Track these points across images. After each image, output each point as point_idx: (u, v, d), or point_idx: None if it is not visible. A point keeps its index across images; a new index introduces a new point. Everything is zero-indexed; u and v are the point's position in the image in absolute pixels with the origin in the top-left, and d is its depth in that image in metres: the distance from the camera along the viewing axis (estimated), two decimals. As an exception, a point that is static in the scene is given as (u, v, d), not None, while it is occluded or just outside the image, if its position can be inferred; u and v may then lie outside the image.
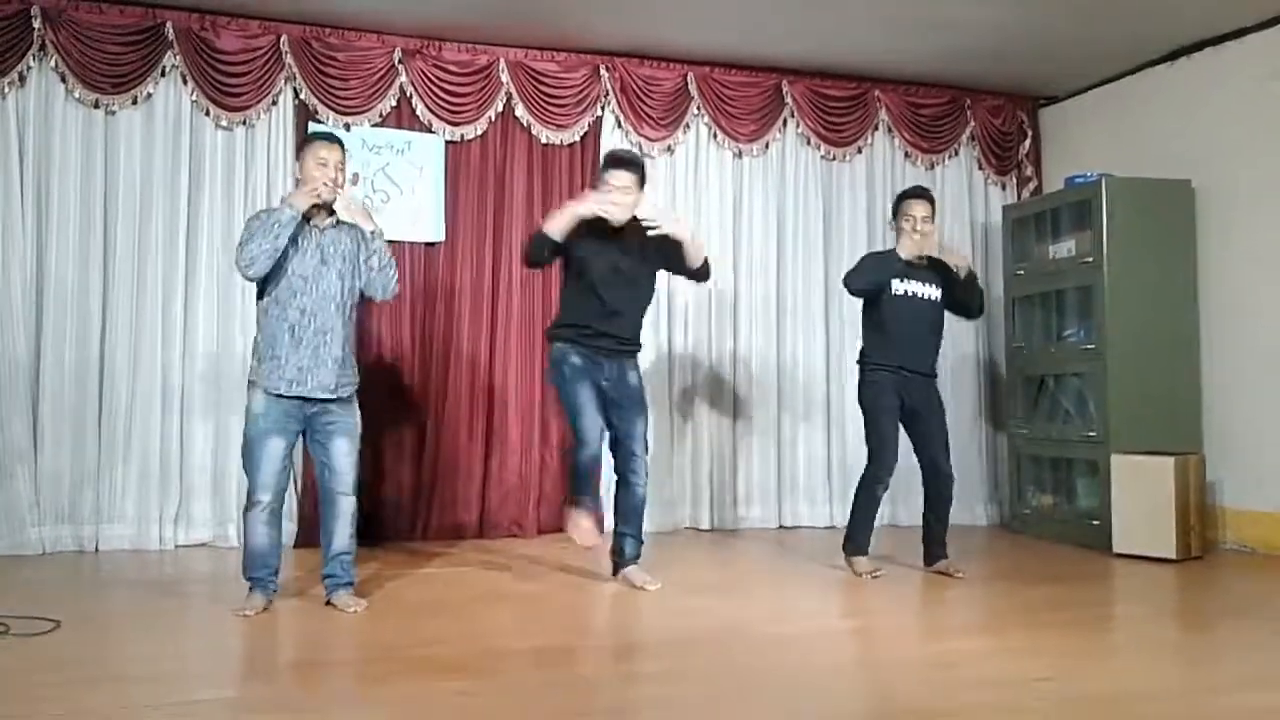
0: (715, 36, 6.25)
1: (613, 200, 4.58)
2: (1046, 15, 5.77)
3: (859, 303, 5.14)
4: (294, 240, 4.12)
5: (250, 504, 4.13)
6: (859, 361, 5.22)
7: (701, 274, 4.86)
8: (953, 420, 6.89)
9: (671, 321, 6.59)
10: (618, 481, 4.84)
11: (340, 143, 4.32)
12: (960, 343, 7.03)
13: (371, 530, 5.88)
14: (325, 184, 4.15)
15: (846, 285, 5.18)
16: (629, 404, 4.69)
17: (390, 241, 5.98)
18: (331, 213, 4.23)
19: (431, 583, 4.88)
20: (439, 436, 6.16)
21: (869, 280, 5.07)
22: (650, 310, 6.35)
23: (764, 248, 6.80)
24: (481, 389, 6.25)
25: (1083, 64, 6.64)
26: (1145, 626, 4.29)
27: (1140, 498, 5.55)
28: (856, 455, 6.79)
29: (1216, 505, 5.94)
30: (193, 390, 5.82)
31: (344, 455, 4.23)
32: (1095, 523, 5.96)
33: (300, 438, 4.27)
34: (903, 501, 6.87)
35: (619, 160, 4.76)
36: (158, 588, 4.77)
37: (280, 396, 4.10)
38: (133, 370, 5.70)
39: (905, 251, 5.02)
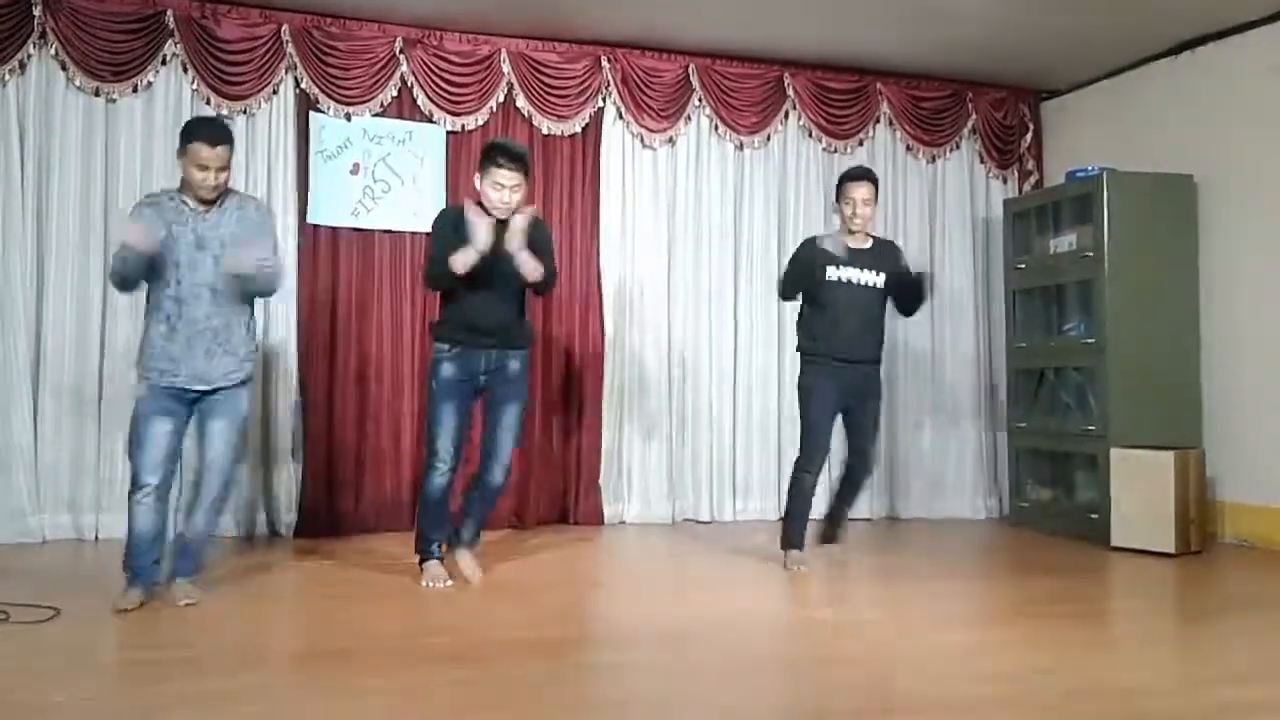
0: (717, 28, 6.23)
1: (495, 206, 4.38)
2: (1049, 8, 5.75)
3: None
4: (169, 226, 3.94)
5: (135, 487, 3.97)
6: (798, 349, 5.13)
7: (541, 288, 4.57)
8: (953, 412, 7.00)
9: (670, 313, 6.59)
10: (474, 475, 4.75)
11: (229, 139, 4.03)
12: (960, 336, 7.04)
13: (367, 522, 5.91)
14: (207, 183, 3.94)
15: (780, 294, 5.13)
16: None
17: (390, 232, 6.05)
18: (210, 203, 4.02)
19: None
20: (439, 427, 6.15)
21: (791, 288, 5.02)
22: (650, 302, 6.36)
23: (765, 240, 6.80)
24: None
25: (1085, 58, 6.63)
26: (1143, 620, 4.30)
27: (1139, 492, 5.55)
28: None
29: (1216, 500, 5.94)
30: (192, 379, 5.80)
31: (218, 434, 4.07)
32: (1094, 517, 5.96)
33: (188, 421, 4.09)
34: (902, 495, 6.91)
35: (508, 155, 4.43)
36: (157, 576, 4.76)
37: (158, 386, 3.98)
38: (132, 359, 5.67)
39: (834, 244, 4.93)
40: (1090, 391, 6.18)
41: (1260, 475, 5.78)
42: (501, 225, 4.33)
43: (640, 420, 6.51)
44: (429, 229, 4.68)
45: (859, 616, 4.26)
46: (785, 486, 6.67)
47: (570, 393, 6.45)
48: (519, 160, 4.42)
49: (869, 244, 5.05)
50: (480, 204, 4.39)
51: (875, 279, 4.98)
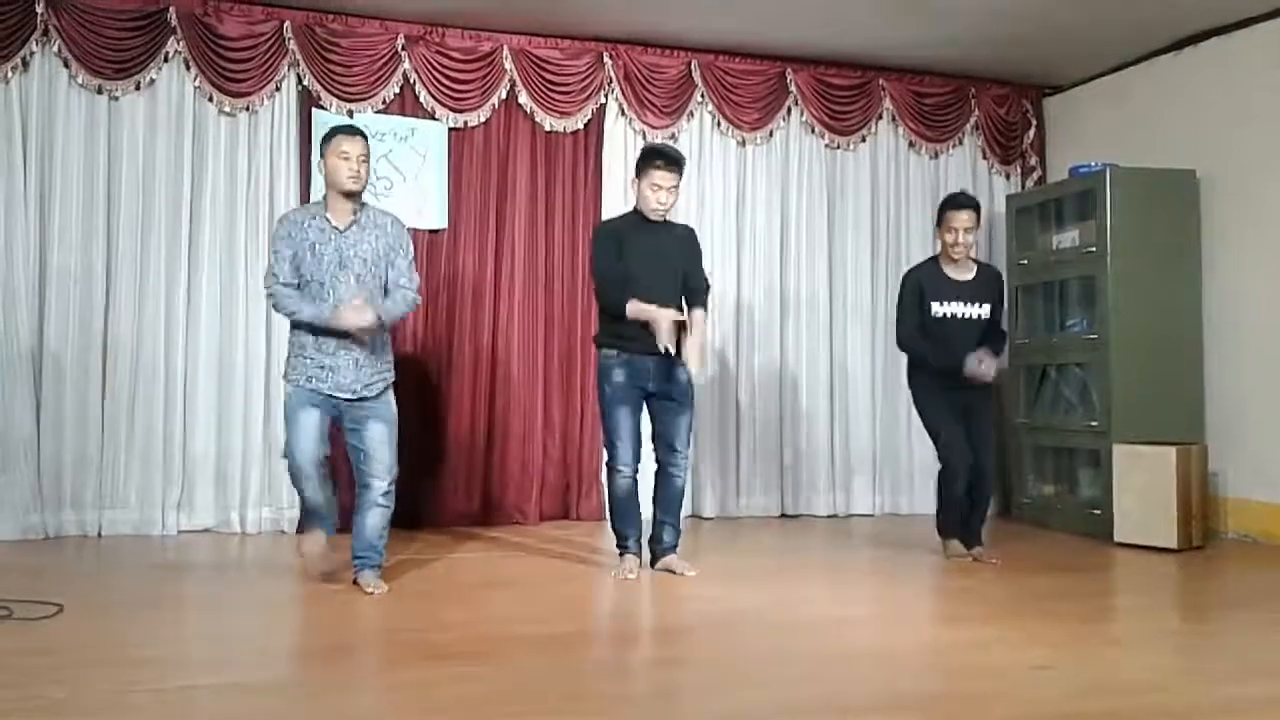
0: (719, 24, 6.23)
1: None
2: (1051, 3, 5.74)
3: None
4: (311, 246, 4.14)
5: (294, 475, 4.26)
6: (909, 365, 5.19)
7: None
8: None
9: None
10: (657, 473, 4.80)
11: (363, 133, 4.28)
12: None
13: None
14: (350, 176, 4.16)
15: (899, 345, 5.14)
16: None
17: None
18: (356, 208, 4.24)
19: (435, 569, 4.89)
20: (442, 423, 6.17)
21: (922, 359, 5.02)
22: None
23: (767, 236, 6.80)
24: (484, 376, 6.26)
25: (1088, 53, 6.62)
26: (1146, 616, 4.30)
27: (1142, 488, 5.55)
28: (859, 444, 6.84)
29: (1218, 495, 5.94)
30: (196, 376, 5.82)
31: (380, 443, 4.25)
32: (1097, 512, 5.96)
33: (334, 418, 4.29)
34: (905, 492, 6.91)
35: (665, 157, 4.64)
36: (160, 573, 4.78)
37: (309, 390, 4.18)
38: (136, 356, 5.70)
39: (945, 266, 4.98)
40: (1093, 387, 6.18)
41: (1263, 470, 5.77)
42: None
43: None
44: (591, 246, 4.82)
45: (862, 613, 4.26)
46: (787, 484, 6.76)
47: (573, 387, 6.45)
48: (676, 163, 4.62)
49: (972, 273, 5.07)
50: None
51: (980, 311, 5.02)
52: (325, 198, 4.26)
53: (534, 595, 4.37)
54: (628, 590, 4.52)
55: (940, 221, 5.07)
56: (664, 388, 4.59)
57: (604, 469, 4.71)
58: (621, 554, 4.68)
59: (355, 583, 4.30)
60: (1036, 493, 6.63)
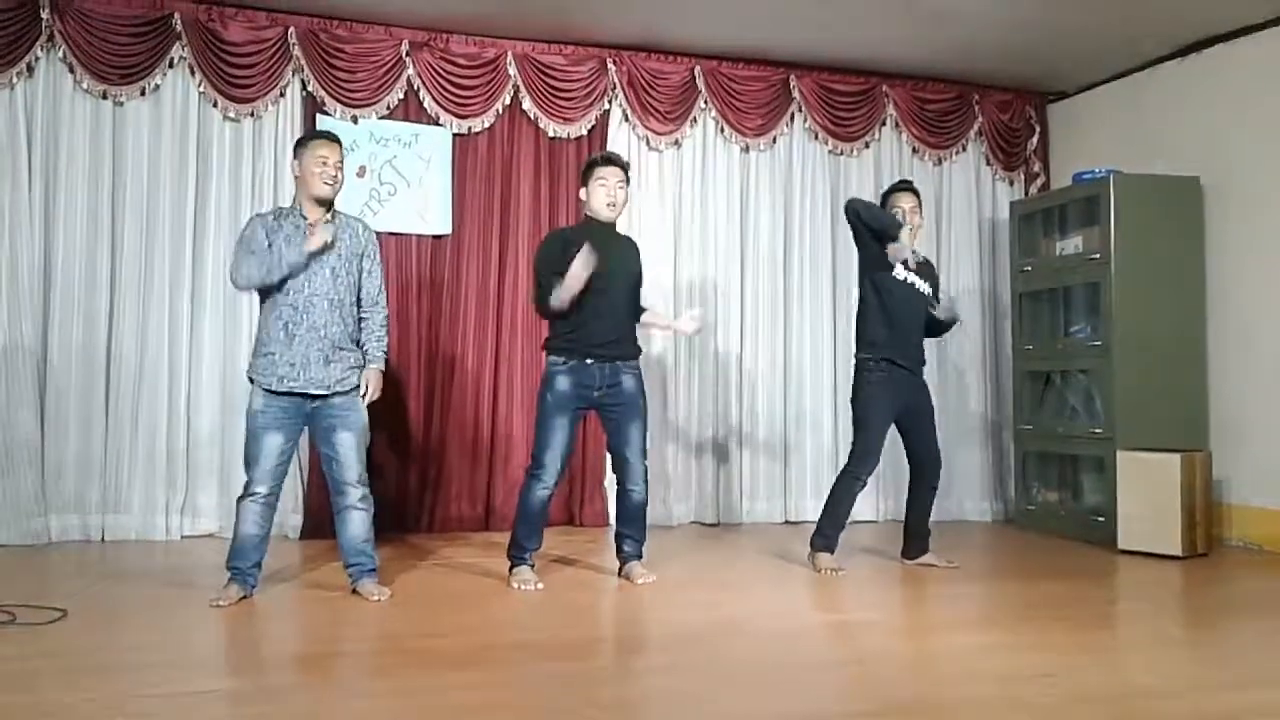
0: (722, 30, 6.23)
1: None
2: (1056, 10, 5.75)
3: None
4: (287, 239, 4.15)
5: (246, 494, 4.16)
6: (856, 355, 5.12)
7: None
8: (959, 415, 7.00)
9: (677, 315, 6.57)
10: (617, 488, 4.81)
11: (339, 140, 4.33)
12: (967, 338, 7.03)
13: (376, 522, 5.90)
14: (326, 182, 4.21)
15: (852, 208, 5.00)
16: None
17: (396, 234, 6.05)
18: (329, 212, 4.27)
19: (436, 575, 4.89)
20: (445, 429, 6.17)
21: (879, 222, 4.93)
22: (656, 304, 6.37)
23: (771, 242, 6.80)
24: (487, 381, 6.26)
25: (1092, 59, 6.62)
26: (1149, 623, 4.29)
27: (1146, 494, 5.54)
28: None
29: (1222, 502, 5.93)
30: (199, 381, 5.83)
31: (348, 448, 4.25)
32: (1100, 519, 5.95)
33: (304, 432, 4.31)
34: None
35: (606, 158, 4.76)
36: (164, 578, 4.78)
37: (277, 393, 4.14)
38: (139, 361, 5.71)
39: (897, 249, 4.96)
40: (1096, 394, 6.17)
41: (1267, 478, 5.77)
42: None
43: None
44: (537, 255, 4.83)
45: (863, 618, 4.26)
46: (791, 489, 6.76)
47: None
48: (618, 162, 4.71)
49: (920, 258, 5.18)
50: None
51: (926, 288, 5.10)
52: (297, 202, 4.30)
53: (534, 602, 4.37)
54: (627, 597, 4.51)
55: (884, 205, 5.15)
56: (611, 395, 4.58)
57: (524, 475, 4.65)
58: (515, 565, 4.61)
59: (355, 592, 4.30)
60: (1040, 499, 6.62)
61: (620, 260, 4.63)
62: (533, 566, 4.65)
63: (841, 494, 5.04)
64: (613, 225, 4.72)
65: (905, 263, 4.99)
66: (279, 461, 4.18)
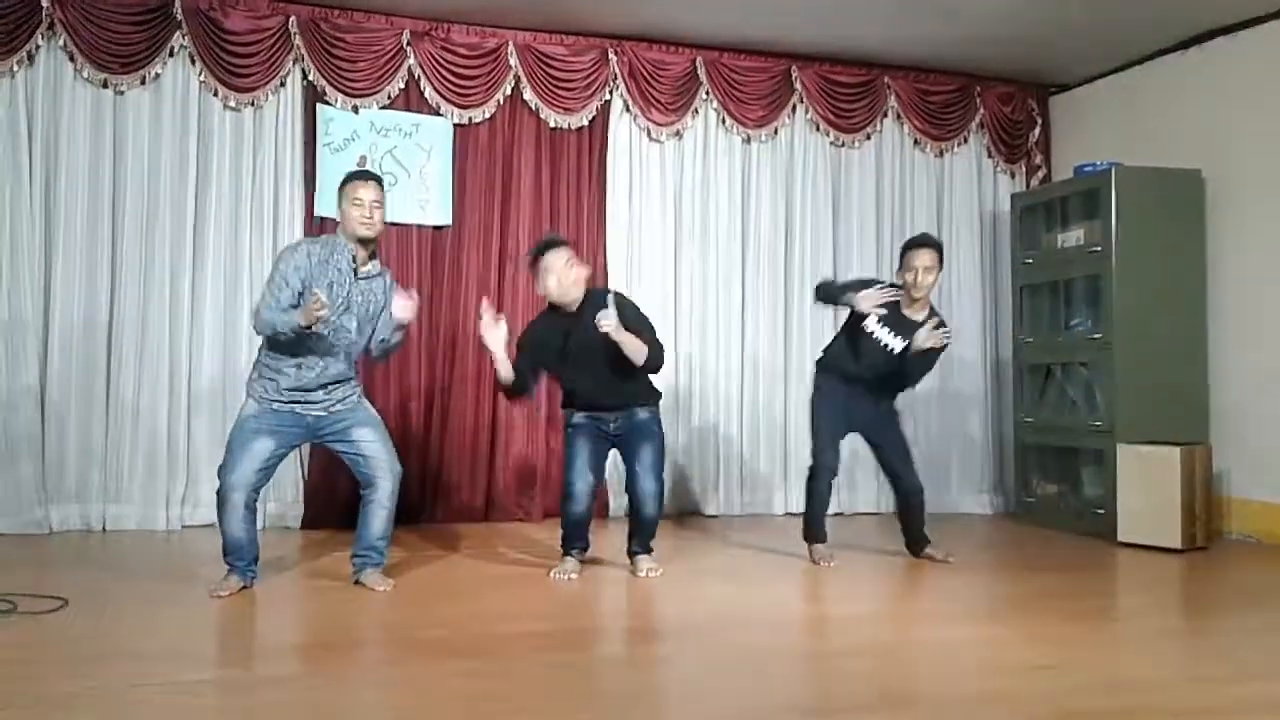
0: (724, 20, 6.22)
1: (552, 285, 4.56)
2: (1058, 3, 5.73)
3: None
4: (329, 285, 4.10)
5: (222, 499, 4.11)
6: (818, 361, 5.18)
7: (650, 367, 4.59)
8: (959, 407, 7.00)
9: (677, 307, 6.59)
10: (630, 505, 4.82)
11: (376, 179, 4.28)
12: (967, 332, 7.03)
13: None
14: (362, 222, 4.15)
15: (816, 297, 5.11)
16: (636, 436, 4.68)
17: (397, 225, 6.04)
18: (373, 255, 4.26)
19: (439, 566, 4.90)
20: (445, 421, 6.17)
21: (828, 296, 5.00)
22: (656, 296, 6.37)
23: (772, 233, 6.79)
24: (488, 373, 6.22)
25: (1094, 52, 6.60)
26: (1149, 616, 4.29)
27: (1146, 487, 5.54)
28: (863, 441, 6.82)
29: (1222, 495, 5.93)
30: (200, 371, 5.83)
31: (370, 440, 4.27)
32: (1100, 512, 5.96)
33: (303, 445, 4.35)
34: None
35: (551, 244, 4.63)
36: (164, 568, 4.79)
37: (277, 406, 4.15)
38: (140, 351, 5.71)
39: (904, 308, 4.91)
40: (1097, 387, 6.17)
41: (1267, 471, 5.77)
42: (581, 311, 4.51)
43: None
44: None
45: (864, 610, 4.26)
46: (791, 480, 6.76)
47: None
48: (561, 242, 4.64)
49: (922, 316, 4.92)
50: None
51: (900, 344, 4.89)
52: (340, 241, 4.23)
53: (534, 592, 4.38)
54: (627, 588, 4.52)
55: (901, 263, 4.94)
56: (622, 427, 4.64)
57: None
58: (565, 555, 4.70)
59: (357, 583, 4.30)
60: (1040, 492, 6.63)
61: (590, 342, 4.45)
62: (580, 554, 4.73)
63: (809, 492, 5.12)
64: (575, 304, 4.55)
65: (885, 318, 4.87)
66: (262, 467, 4.13)
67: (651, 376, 4.67)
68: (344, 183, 4.26)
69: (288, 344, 4.09)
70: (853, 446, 5.35)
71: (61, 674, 3.10)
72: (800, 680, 3.22)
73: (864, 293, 4.83)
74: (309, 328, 3.98)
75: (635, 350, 4.44)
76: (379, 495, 4.28)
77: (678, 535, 5.86)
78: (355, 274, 4.19)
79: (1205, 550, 5.50)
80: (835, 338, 5.18)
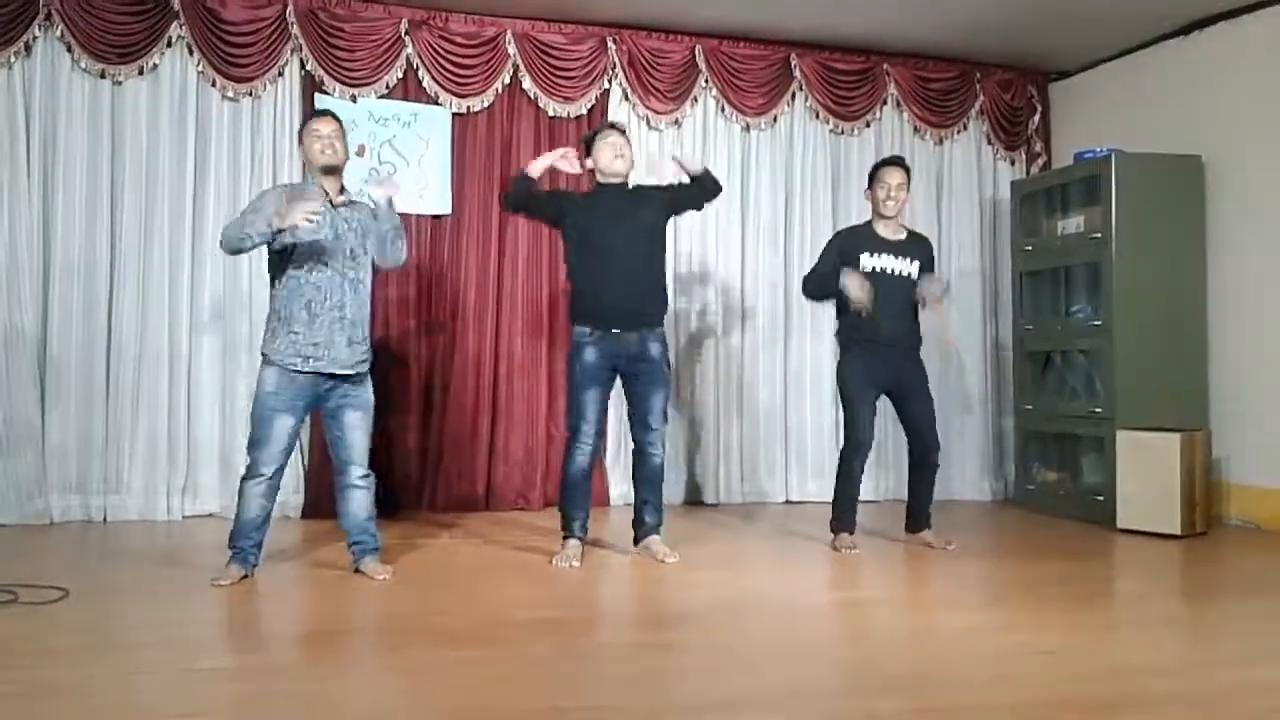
0: (723, 8, 6.20)
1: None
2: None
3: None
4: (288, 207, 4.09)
5: (250, 475, 4.17)
6: (836, 335, 5.18)
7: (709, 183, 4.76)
8: (959, 394, 7.00)
9: (676, 295, 6.58)
10: (635, 452, 4.82)
11: (332, 114, 4.37)
12: (968, 317, 7.03)
13: (378, 502, 5.91)
14: (323, 151, 4.22)
15: (804, 293, 5.17)
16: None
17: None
18: (342, 190, 4.30)
19: (439, 554, 4.90)
20: (445, 409, 6.17)
21: (818, 290, 5.05)
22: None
23: (772, 221, 6.79)
24: (488, 362, 6.26)
25: (1094, 38, 6.59)
26: (1148, 602, 4.30)
27: (1146, 474, 5.55)
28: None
29: (1222, 481, 5.94)
30: (199, 362, 5.83)
31: (356, 429, 4.29)
32: (1100, 498, 5.96)
33: (309, 413, 4.34)
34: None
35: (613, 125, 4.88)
36: (165, 557, 4.79)
37: (295, 372, 4.14)
38: (140, 341, 5.71)
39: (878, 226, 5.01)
40: (1097, 374, 6.17)
41: (1266, 457, 5.77)
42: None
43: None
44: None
45: (864, 597, 4.27)
46: (791, 468, 6.77)
47: (576, 374, 6.44)
48: (620, 127, 4.87)
49: (903, 235, 5.09)
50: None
51: (910, 268, 5.02)
52: (309, 180, 4.35)
53: (536, 580, 4.38)
54: (629, 575, 4.53)
55: (872, 181, 5.10)
56: (635, 365, 4.61)
57: (564, 447, 4.71)
58: (566, 538, 4.66)
59: (358, 571, 4.31)
60: (1040, 479, 6.63)
61: (629, 220, 4.59)
62: (583, 539, 4.68)
63: (841, 477, 5.09)
64: (624, 184, 4.71)
65: (873, 250, 4.98)
66: (287, 444, 4.19)
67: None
68: (301, 127, 4.37)
69: (291, 291, 4.14)
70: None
71: (62, 664, 3.10)
72: (803, 666, 3.22)
73: (844, 281, 4.86)
74: (282, 232, 4.01)
75: (695, 167, 4.69)
76: (350, 478, 4.31)
77: (678, 523, 5.85)
78: (332, 204, 4.23)
79: (1205, 536, 5.51)
80: (842, 308, 5.10)
